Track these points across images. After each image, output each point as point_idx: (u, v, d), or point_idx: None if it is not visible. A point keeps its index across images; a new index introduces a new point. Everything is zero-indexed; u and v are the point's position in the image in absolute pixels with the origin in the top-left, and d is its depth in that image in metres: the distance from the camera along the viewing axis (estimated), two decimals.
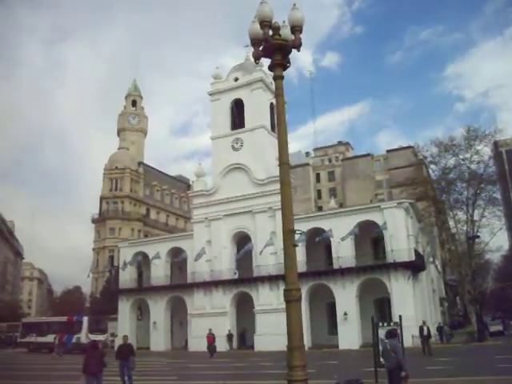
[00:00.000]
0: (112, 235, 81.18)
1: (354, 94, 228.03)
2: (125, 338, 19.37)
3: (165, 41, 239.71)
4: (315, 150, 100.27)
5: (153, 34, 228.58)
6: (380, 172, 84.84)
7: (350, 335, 39.16)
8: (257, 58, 9.27)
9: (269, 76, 45.83)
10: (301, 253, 38.77)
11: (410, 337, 32.19)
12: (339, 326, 40.45)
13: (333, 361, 28.46)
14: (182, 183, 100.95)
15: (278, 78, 9.20)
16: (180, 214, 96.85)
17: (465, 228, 43.71)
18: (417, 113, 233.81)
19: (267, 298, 43.20)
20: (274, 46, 8.97)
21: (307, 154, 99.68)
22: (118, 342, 33.93)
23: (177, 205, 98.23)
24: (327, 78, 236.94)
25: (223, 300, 45.70)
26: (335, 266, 41.55)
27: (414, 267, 40.47)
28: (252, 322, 43.90)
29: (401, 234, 40.02)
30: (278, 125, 9.27)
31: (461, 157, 43.09)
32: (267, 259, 43.10)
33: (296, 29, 9.16)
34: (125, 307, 51.88)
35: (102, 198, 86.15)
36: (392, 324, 17.64)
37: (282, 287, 35.78)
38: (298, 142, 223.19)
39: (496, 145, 52.83)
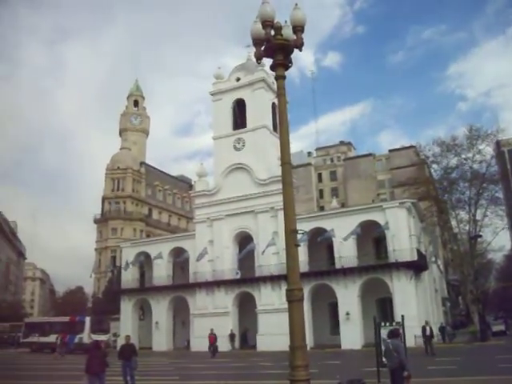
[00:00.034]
0: (114, 235, 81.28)
1: (356, 93, 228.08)
2: (127, 338, 19.38)
3: (166, 41, 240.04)
4: (317, 149, 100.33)
5: (154, 34, 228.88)
6: (382, 172, 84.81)
7: (352, 335, 39.12)
8: (259, 57, 9.27)
9: (270, 76, 45.87)
10: (303, 253, 38.81)
11: (412, 337, 32.08)
12: (341, 326, 40.44)
13: (335, 361, 28.44)
14: (184, 183, 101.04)
15: (280, 78, 9.19)
16: (182, 214, 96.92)
17: (467, 228, 43.64)
18: (419, 112, 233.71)
19: (269, 298, 43.21)
20: (275, 46, 8.96)
21: (309, 153, 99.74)
22: (121, 342, 33.87)
23: (179, 205, 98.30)
24: (329, 78, 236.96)
25: (225, 300, 45.71)
26: (337, 265, 41.54)
27: (417, 267, 40.44)
28: (254, 321, 43.90)
29: (403, 234, 39.99)
30: (280, 125, 9.27)
31: (463, 156, 43.04)
32: (269, 259, 43.09)
33: (298, 29, 9.16)
34: (127, 307, 51.94)
35: (104, 198, 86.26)
36: (394, 324, 17.64)
37: (284, 287, 35.72)
38: (300, 142, 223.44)
39: (498, 144, 52.83)
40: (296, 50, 9.24)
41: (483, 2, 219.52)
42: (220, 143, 49.52)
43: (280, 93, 9.22)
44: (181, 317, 50.91)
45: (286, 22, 9.21)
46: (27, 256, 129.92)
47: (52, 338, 44.19)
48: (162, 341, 48.82)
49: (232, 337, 43.55)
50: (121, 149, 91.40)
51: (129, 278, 52.22)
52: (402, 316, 18.17)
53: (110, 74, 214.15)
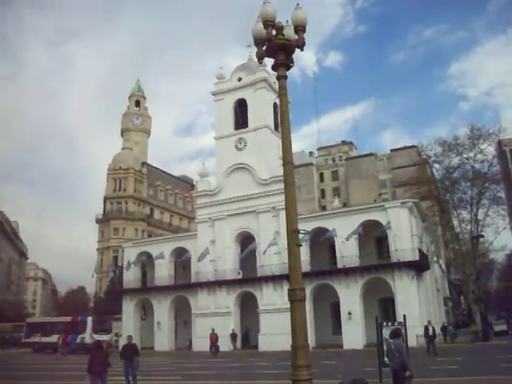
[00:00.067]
0: (116, 235, 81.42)
1: (358, 93, 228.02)
2: (129, 337, 19.40)
3: (168, 41, 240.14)
4: (319, 149, 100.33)
5: (156, 34, 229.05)
6: (384, 171, 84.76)
7: (354, 335, 39.09)
8: (260, 57, 9.28)
9: (272, 76, 45.89)
10: (305, 252, 38.81)
11: (414, 336, 32.15)
12: (343, 326, 40.40)
13: (337, 360, 28.43)
14: (186, 183, 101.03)
15: (282, 78, 9.19)
16: (184, 213, 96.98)
17: (469, 227, 43.57)
18: (420, 112, 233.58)
19: (271, 298, 43.20)
20: (277, 46, 8.97)
21: (311, 153, 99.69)
22: (123, 341, 34.00)
23: (180, 205, 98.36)
24: (330, 78, 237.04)
25: (227, 300, 45.72)
26: (339, 265, 41.52)
27: (418, 267, 40.41)
28: (256, 321, 43.91)
29: (405, 234, 39.97)
30: (282, 124, 9.27)
31: (465, 156, 42.97)
32: (271, 259, 43.10)
33: (299, 28, 9.16)
34: (129, 307, 51.98)
35: (105, 198, 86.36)
36: (396, 324, 17.63)
37: (285, 287, 35.74)
38: (302, 142, 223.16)
39: (500, 144, 52.84)
40: (297, 50, 9.24)
41: (485, 1, 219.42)
42: (222, 143, 49.54)
43: (282, 93, 9.22)
44: (182, 317, 50.94)
45: (287, 21, 9.22)
46: (29, 256, 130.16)
47: (54, 338, 44.21)
48: (163, 341, 48.84)
49: (234, 337, 43.55)
50: (122, 149, 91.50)
51: (131, 277, 52.27)
52: (404, 316, 18.20)
53: (112, 74, 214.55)
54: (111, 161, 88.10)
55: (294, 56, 9.28)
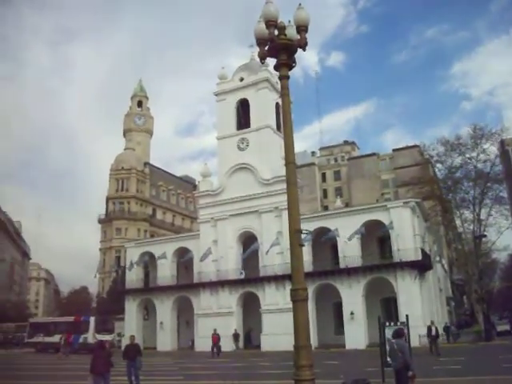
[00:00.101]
0: (118, 235, 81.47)
1: (360, 93, 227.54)
2: (132, 338, 19.42)
3: (170, 41, 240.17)
4: (321, 149, 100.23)
5: (158, 35, 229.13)
6: (386, 171, 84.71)
7: (356, 335, 39.08)
8: (262, 57, 9.27)
9: (274, 76, 45.84)
10: (307, 252, 38.72)
11: (416, 336, 32.11)
12: (346, 326, 40.40)
13: (339, 360, 28.42)
14: (188, 183, 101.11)
15: (284, 78, 9.19)
16: (186, 214, 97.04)
17: (471, 227, 43.59)
18: (423, 112, 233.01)
19: (273, 298, 43.20)
20: (279, 46, 8.97)
21: (313, 153, 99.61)
22: (125, 341, 34.02)
23: (183, 205, 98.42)
24: (333, 78, 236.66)
25: (229, 300, 45.73)
26: (341, 265, 41.51)
27: (421, 266, 40.38)
28: (258, 321, 43.91)
29: (407, 234, 39.93)
30: (284, 124, 9.26)
31: (467, 156, 42.99)
32: (273, 259, 43.11)
33: (301, 28, 9.15)
34: (131, 307, 52.02)
35: (108, 199, 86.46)
36: (399, 324, 17.61)
37: (288, 287, 35.84)
38: (304, 142, 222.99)
39: (502, 143, 52.77)
40: (300, 50, 9.24)
41: (487, 1, 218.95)
42: (224, 143, 49.56)
43: (284, 93, 9.22)
44: (185, 317, 50.96)
45: (289, 21, 9.22)
46: (32, 256, 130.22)
47: (57, 338, 44.22)
48: (166, 341, 48.86)
49: (236, 337, 43.56)
50: (125, 149, 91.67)
51: (133, 278, 52.31)
52: (407, 316, 18.19)
53: (113, 74, 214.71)
54: (113, 161, 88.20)
55: (296, 56, 9.28)
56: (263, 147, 46.67)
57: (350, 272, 40.81)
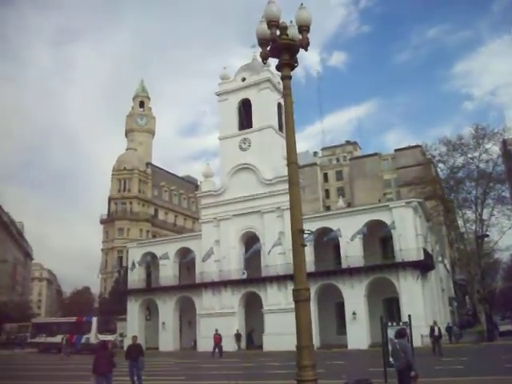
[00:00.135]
0: (121, 236, 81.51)
1: (362, 93, 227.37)
2: (134, 338, 19.43)
3: (172, 41, 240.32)
4: (323, 149, 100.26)
5: (159, 35, 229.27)
6: (388, 171, 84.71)
7: (358, 335, 39.08)
8: (264, 58, 9.27)
9: (276, 76, 45.93)
10: (309, 253, 38.77)
11: (419, 336, 32.09)
12: (348, 326, 40.40)
13: (342, 360, 28.42)
14: (190, 184, 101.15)
15: (286, 78, 9.19)
16: (188, 214, 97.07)
17: (474, 227, 43.47)
18: (425, 111, 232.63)
19: (276, 298, 43.21)
20: (281, 46, 8.97)
21: (315, 153, 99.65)
22: (127, 342, 34.02)
23: (185, 205, 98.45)
24: (334, 78, 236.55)
25: (232, 300, 45.74)
26: (344, 265, 41.50)
27: (423, 266, 40.35)
28: (260, 321, 43.92)
29: (409, 234, 39.92)
30: (286, 124, 9.26)
31: (469, 155, 42.88)
32: (275, 259, 43.10)
33: (303, 28, 9.15)
34: (134, 307, 52.07)
35: (110, 199, 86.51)
36: (401, 324, 17.60)
37: (290, 287, 35.73)
38: (306, 142, 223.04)
39: (505, 143, 52.67)
40: (301, 50, 9.24)
41: (489, 1, 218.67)
42: (226, 143, 49.57)
43: (286, 93, 9.22)
44: (187, 317, 50.99)
45: (291, 21, 9.22)
46: (34, 256, 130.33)
47: (59, 339, 44.38)
48: (168, 341, 48.90)
49: (238, 337, 43.58)
50: (127, 149, 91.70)
51: (135, 278, 52.35)
52: (409, 316, 18.14)
53: (116, 74, 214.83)
54: (116, 161, 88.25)
55: (298, 56, 9.28)
56: (265, 147, 46.68)
57: (352, 272, 40.81)
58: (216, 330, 38.95)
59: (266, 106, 48.30)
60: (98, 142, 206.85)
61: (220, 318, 44.44)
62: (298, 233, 8.52)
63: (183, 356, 41.01)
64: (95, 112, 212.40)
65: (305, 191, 60.69)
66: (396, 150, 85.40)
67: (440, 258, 48.90)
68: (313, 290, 37.64)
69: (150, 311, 54.25)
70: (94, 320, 47.94)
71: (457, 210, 45.37)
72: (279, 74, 9.46)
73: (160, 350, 48.03)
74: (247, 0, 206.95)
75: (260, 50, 9.27)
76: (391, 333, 15.50)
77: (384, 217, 40.94)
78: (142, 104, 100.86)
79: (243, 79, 50.61)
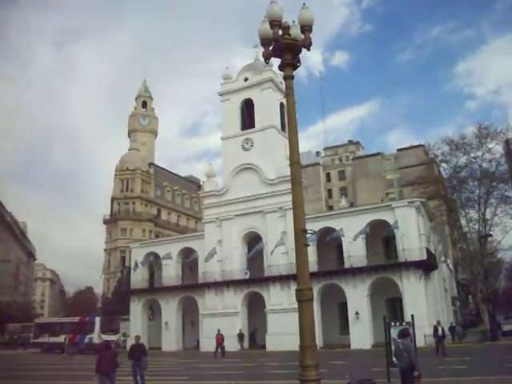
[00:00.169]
0: (123, 236, 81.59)
1: (364, 92, 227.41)
2: (137, 338, 19.43)
3: (174, 41, 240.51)
4: (325, 149, 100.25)
5: (162, 35, 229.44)
6: (391, 171, 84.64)
7: (361, 335, 39.05)
8: (267, 57, 9.28)
9: (278, 76, 45.93)
10: (312, 252, 38.73)
11: (422, 336, 32.06)
12: (351, 326, 40.36)
13: (345, 360, 28.39)
14: (193, 184, 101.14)
15: (288, 78, 9.19)
16: (191, 214, 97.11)
17: (477, 227, 43.45)
18: (427, 111, 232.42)
19: (278, 298, 43.20)
20: (283, 46, 8.97)
21: (317, 153, 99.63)
22: (130, 342, 34.07)
23: (188, 205, 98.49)
24: (337, 77, 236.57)
25: (234, 300, 45.75)
26: (346, 265, 41.47)
27: (426, 266, 40.29)
28: (263, 321, 43.93)
29: (412, 233, 39.86)
30: (289, 124, 9.27)
31: (472, 155, 42.85)
32: (278, 259, 43.11)
33: (306, 28, 9.15)
34: (136, 307, 52.11)
35: (113, 199, 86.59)
36: (404, 323, 17.59)
37: (293, 287, 35.86)
38: (308, 142, 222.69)
39: (508, 143, 52.39)
40: (304, 50, 9.24)
41: (491, 0, 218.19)
42: (228, 143, 49.58)
43: (288, 92, 9.22)
44: (190, 317, 51.02)
45: (293, 21, 9.22)
46: (37, 257, 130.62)
47: (62, 339, 44.36)
48: (171, 341, 48.92)
49: (241, 337, 43.57)
50: (129, 149, 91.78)
51: (138, 278, 52.40)
52: (412, 316, 18.15)
53: (119, 74, 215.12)
54: (118, 161, 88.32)
55: (300, 56, 9.28)
56: (268, 147, 46.68)
57: (355, 272, 40.77)
58: (218, 330, 38.93)
59: (268, 106, 48.30)
60: (100, 143, 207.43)
61: (223, 318, 44.46)
62: (300, 233, 8.52)
63: (186, 356, 41.02)
64: (98, 112, 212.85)
65: (307, 191, 60.64)
66: (399, 150, 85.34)
67: (443, 258, 48.84)
68: (316, 289, 37.68)
69: (153, 311, 54.30)
70: (97, 320, 48.00)
71: (460, 210, 45.35)
72: (281, 73, 9.46)
73: (163, 349, 48.06)
74: (249, 0, 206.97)
75: (262, 49, 9.28)
76: (394, 333, 15.45)
77: (387, 216, 40.90)
78: (144, 104, 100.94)
79: (245, 79, 50.62)
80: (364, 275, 40.69)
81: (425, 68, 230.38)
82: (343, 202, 65.53)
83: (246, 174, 47.41)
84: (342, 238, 40.87)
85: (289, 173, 9.37)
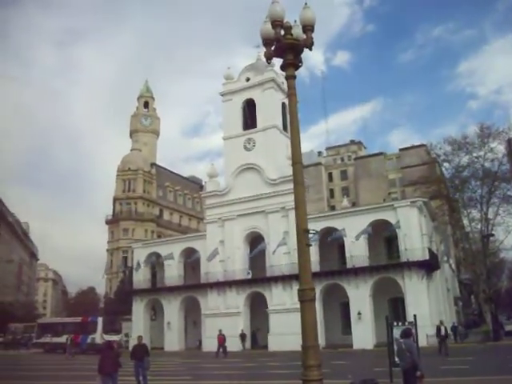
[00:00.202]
0: (125, 236, 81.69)
1: (366, 92, 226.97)
2: (139, 338, 19.47)
3: (176, 41, 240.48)
4: (327, 149, 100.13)
5: (164, 35, 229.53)
6: (393, 171, 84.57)
7: (363, 335, 39.03)
8: (269, 57, 9.28)
9: (280, 76, 45.90)
10: (314, 252, 38.66)
11: (424, 336, 32.00)
12: (353, 326, 40.36)
13: (347, 360, 28.39)
14: (195, 184, 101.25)
15: (290, 78, 9.19)
16: (193, 214, 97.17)
17: (479, 226, 43.40)
18: (429, 111, 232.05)
19: (280, 298, 43.20)
20: (285, 46, 8.97)
21: (319, 153, 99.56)
22: (133, 342, 34.07)
23: (190, 205, 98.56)
24: (339, 77, 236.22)
25: (237, 300, 45.75)
26: (348, 265, 41.46)
27: (428, 266, 40.24)
28: (265, 321, 43.92)
29: (414, 233, 39.83)
30: (291, 124, 9.26)
31: (474, 155, 42.81)
32: (280, 259, 43.10)
33: (308, 28, 9.15)
34: (139, 307, 52.14)
35: (115, 199, 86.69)
36: (407, 323, 17.57)
37: (295, 287, 35.75)
38: (310, 142, 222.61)
39: (510, 142, 52.28)
40: (306, 50, 9.24)
41: (493, 0, 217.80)
42: (230, 143, 49.59)
43: (291, 92, 9.22)
44: (192, 317, 51.03)
45: (295, 21, 9.22)
46: (39, 257, 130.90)
47: (65, 339, 44.42)
48: (173, 341, 48.95)
49: (243, 337, 43.56)
50: (131, 150, 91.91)
51: (140, 278, 52.44)
52: (415, 316, 18.10)
53: (120, 75, 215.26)
54: (120, 162, 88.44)
55: (302, 56, 9.28)
56: (270, 147, 46.68)
57: (357, 272, 40.76)
58: (220, 331, 38.93)
59: (270, 106, 48.29)
60: (102, 143, 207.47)
61: (225, 318, 44.47)
62: (302, 232, 8.52)
63: (188, 356, 41.05)
64: (100, 112, 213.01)
65: (309, 191, 60.58)
66: (401, 150, 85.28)
67: (445, 258, 48.75)
68: (318, 289, 37.53)
69: (156, 311, 54.35)
70: (100, 320, 48.03)
71: (462, 210, 45.29)
72: (283, 73, 9.45)
73: (165, 350, 48.05)
74: (251, 0, 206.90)
75: (264, 49, 9.28)
76: (397, 333, 15.46)
77: (389, 216, 40.86)
78: (146, 104, 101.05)
79: (247, 79, 50.63)
80: (366, 275, 40.67)
81: (427, 68, 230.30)
82: (345, 202, 65.50)
83: (248, 174, 47.41)
84: (344, 238, 40.84)
85: (291, 173, 9.37)
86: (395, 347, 14.89)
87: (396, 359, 14.41)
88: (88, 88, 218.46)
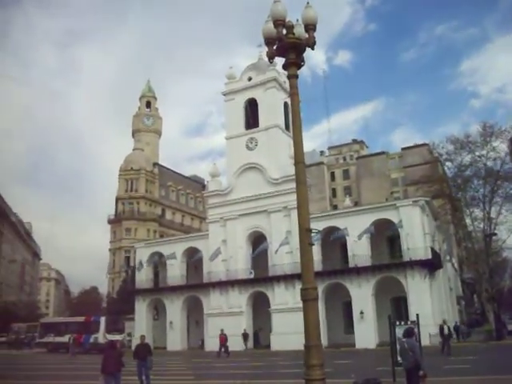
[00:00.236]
0: (128, 236, 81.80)
1: (368, 91, 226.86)
2: (142, 337, 19.47)
3: (178, 41, 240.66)
4: (330, 148, 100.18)
5: (165, 35, 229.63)
6: (395, 170, 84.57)
7: (366, 334, 39.01)
8: (271, 57, 9.28)
9: (282, 75, 45.90)
10: (316, 252, 38.70)
11: (427, 335, 32.01)
12: (355, 325, 40.31)
13: (350, 360, 28.36)
14: (197, 183, 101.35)
15: (293, 77, 9.18)
16: (195, 214, 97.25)
17: (481, 225, 43.28)
18: (432, 110, 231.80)
19: (283, 298, 43.18)
20: (287, 45, 8.97)
21: (322, 152, 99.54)
22: (135, 341, 34.14)
23: (192, 205, 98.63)
24: (341, 76, 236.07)
25: (239, 299, 45.76)
26: (351, 264, 41.43)
27: (431, 265, 40.20)
28: (267, 321, 43.92)
29: (417, 232, 39.79)
30: (294, 124, 9.26)
31: (477, 154, 42.69)
32: (283, 258, 43.08)
33: (310, 27, 9.15)
34: (141, 307, 52.18)
35: (117, 199, 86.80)
36: (409, 323, 17.57)
37: (297, 286, 35.85)
38: (313, 141, 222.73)
39: None
40: (308, 49, 9.23)
41: None
42: (232, 143, 49.59)
43: (293, 92, 9.22)
44: (195, 316, 51.07)
45: (297, 20, 9.23)
46: (42, 257, 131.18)
47: (67, 338, 44.49)
48: (176, 340, 48.98)
49: (245, 336, 43.56)
50: (134, 150, 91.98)
51: (143, 278, 52.48)
52: (417, 315, 18.12)
53: (123, 75, 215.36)
54: (123, 161, 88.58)
55: (304, 55, 9.28)
56: (272, 147, 46.68)
57: (360, 271, 40.73)
58: (222, 330, 38.89)
59: (272, 106, 48.28)
60: (104, 143, 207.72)
61: (227, 318, 44.48)
62: (305, 232, 8.52)
63: (191, 355, 41.05)
64: (102, 112, 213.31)
65: (312, 190, 60.64)
66: (403, 149, 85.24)
67: (448, 257, 48.71)
68: (320, 289, 37.54)
69: (158, 311, 54.37)
70: (102, 320, 48.07)
71: (464, 209, 45.21)
72: (285, 73, 9.46)
73: (168, 349, 48.12)
74: (251, 0, 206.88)
75: (266, 49, 9.27)
76: (399, 332, 15.46)
77: (391, 216, 40.82)
78: (148, 104, 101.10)
79: (249, 79, 50.62)
80: (369, 274, 40.66)
81: (429, 67, 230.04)
82: (347, 201, 65.50)
83: (250, 174, 47.42)
84: (347, 238, 40.84)
85: (293, 172, 9.38)
86: (398, 346, 14.91)
87: (399, 358, 14.43)
88: (89, 88, 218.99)
